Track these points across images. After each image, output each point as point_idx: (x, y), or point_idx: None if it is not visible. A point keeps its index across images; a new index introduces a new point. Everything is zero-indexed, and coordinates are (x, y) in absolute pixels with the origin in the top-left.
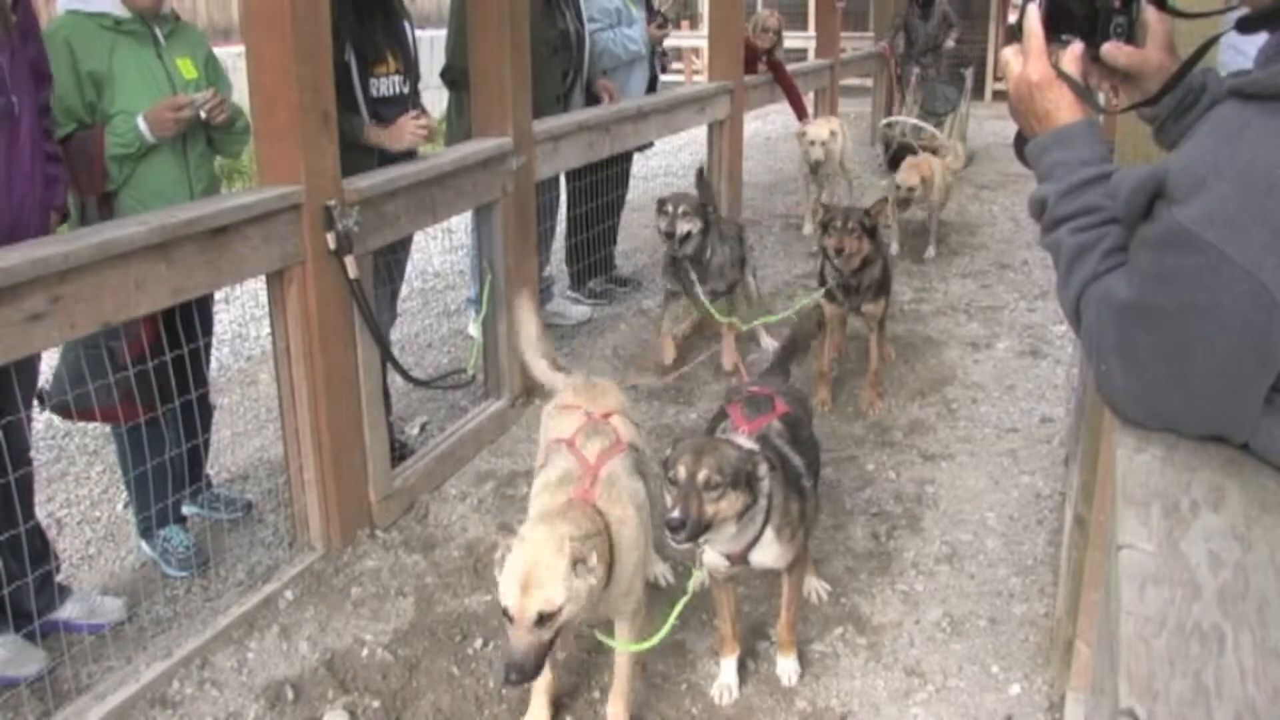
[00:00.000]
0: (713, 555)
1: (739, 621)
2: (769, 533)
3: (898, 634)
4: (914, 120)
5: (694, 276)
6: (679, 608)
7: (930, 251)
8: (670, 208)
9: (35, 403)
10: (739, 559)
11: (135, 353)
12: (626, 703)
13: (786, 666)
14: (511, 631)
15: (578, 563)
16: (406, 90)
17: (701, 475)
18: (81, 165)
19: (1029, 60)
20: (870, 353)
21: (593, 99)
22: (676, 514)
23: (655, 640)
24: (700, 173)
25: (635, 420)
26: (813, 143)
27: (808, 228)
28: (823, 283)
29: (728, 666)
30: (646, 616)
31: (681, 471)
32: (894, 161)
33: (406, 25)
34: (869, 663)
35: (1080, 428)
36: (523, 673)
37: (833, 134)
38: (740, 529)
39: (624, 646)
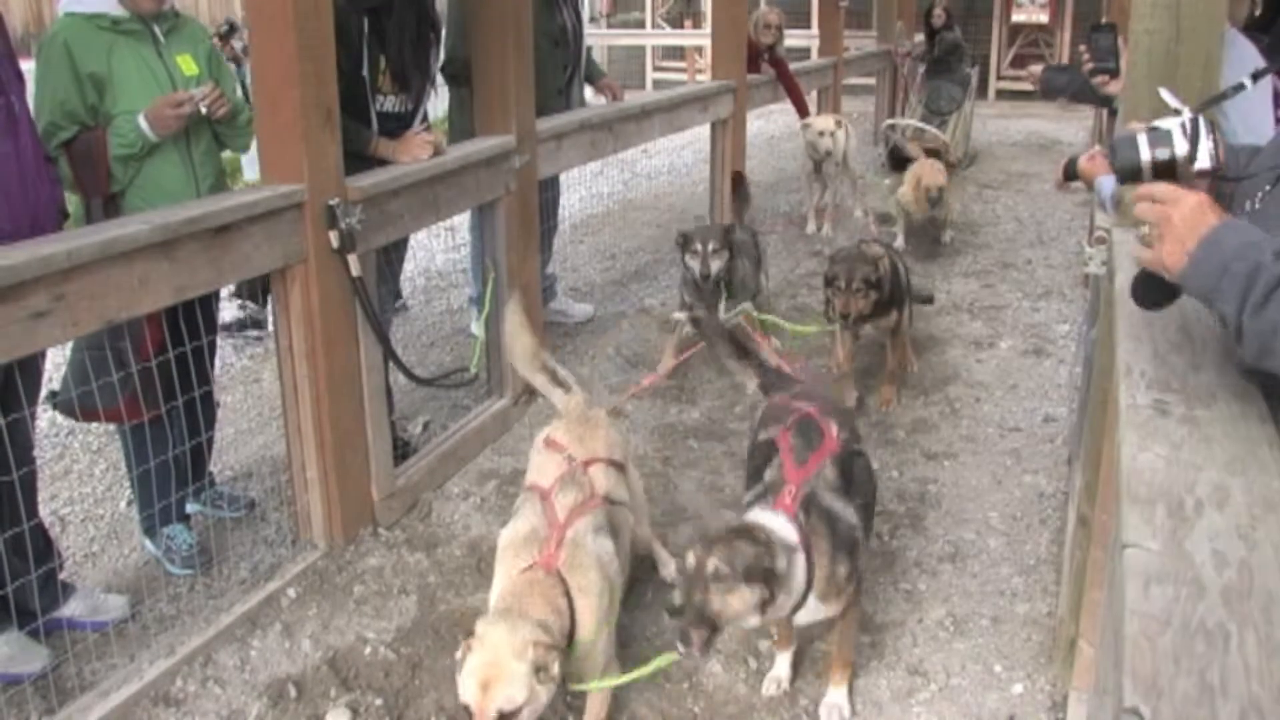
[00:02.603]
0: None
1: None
2: (812, 601)
3: (900, 633)
4: (916, 122)
5: (716, 296)
6: (656, 664)
7: (946, 237)
8: (700, 246)
9: (48, 404)
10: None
11: (144, 356)
12: None
13: (835, 699)
14: None
15: (539, 670)
16: (412, 109)
17: (710, 567)
18: (86, 167)
19: (1176, 202)
20: (887, 355)
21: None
22: (682, 647)
23: (628, 678)
24: (736, 175)
25: (622, 457)
26: (820, 133)
27: (811, 227)
28: (829, 315)
29: (782, 660)
30: (619, 668)
31: (690, 562)
32: (897, 163)
33: (433, 53)
34: (871, 661)
35: (1083, 427)
36: None
37: (838, 124)
38: (767, 616)
39: (594, 686)
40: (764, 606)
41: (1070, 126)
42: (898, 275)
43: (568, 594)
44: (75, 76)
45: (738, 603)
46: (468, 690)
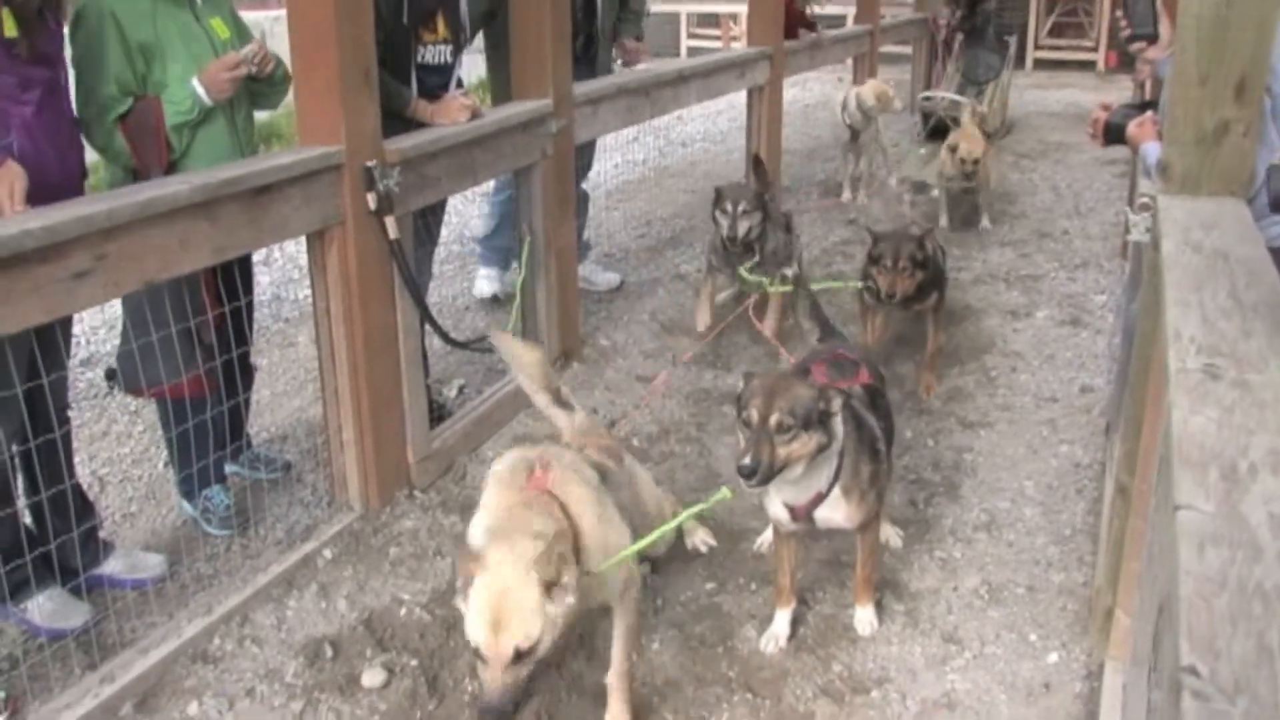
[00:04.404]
0: (777, 507)
1: (796, 576)
2: (836, 491)
3: (935, 601)
4: (951, 95)
5: (744, 259)
6: (691, 511)
7: (985, 222)
8: (730, 206)
9: (106, 381)
10: (804, 514)
11: (209, 329)
12: (625, 680)
13: (864, 616)
14: (485, 672)
15: (551, 586)
16: (451, 60)
17: (774, 419)
18: (144, 138)
19: None
20: (928, 338)
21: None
22: (748, 460)
23: (655, 536)
24: (757, 159)
25: (621, 480)
26: (862, 97)
27: (846, 194)
28: (868, 293)
29: (781, 618)
30: (641, 591)
31: (754, 414)
32: (934, 133)
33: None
34: (906, 629)
35: (1123, 396)
36: (501, 716)
37: (880, 95)
38: (807, 473)
39: (620, 558)
40: (821, 449)
41: (1110, 97)
42: (938, 255)
43: (564, 509)
44: (125, 47)
45: (800, 448)
46: (478, 631)
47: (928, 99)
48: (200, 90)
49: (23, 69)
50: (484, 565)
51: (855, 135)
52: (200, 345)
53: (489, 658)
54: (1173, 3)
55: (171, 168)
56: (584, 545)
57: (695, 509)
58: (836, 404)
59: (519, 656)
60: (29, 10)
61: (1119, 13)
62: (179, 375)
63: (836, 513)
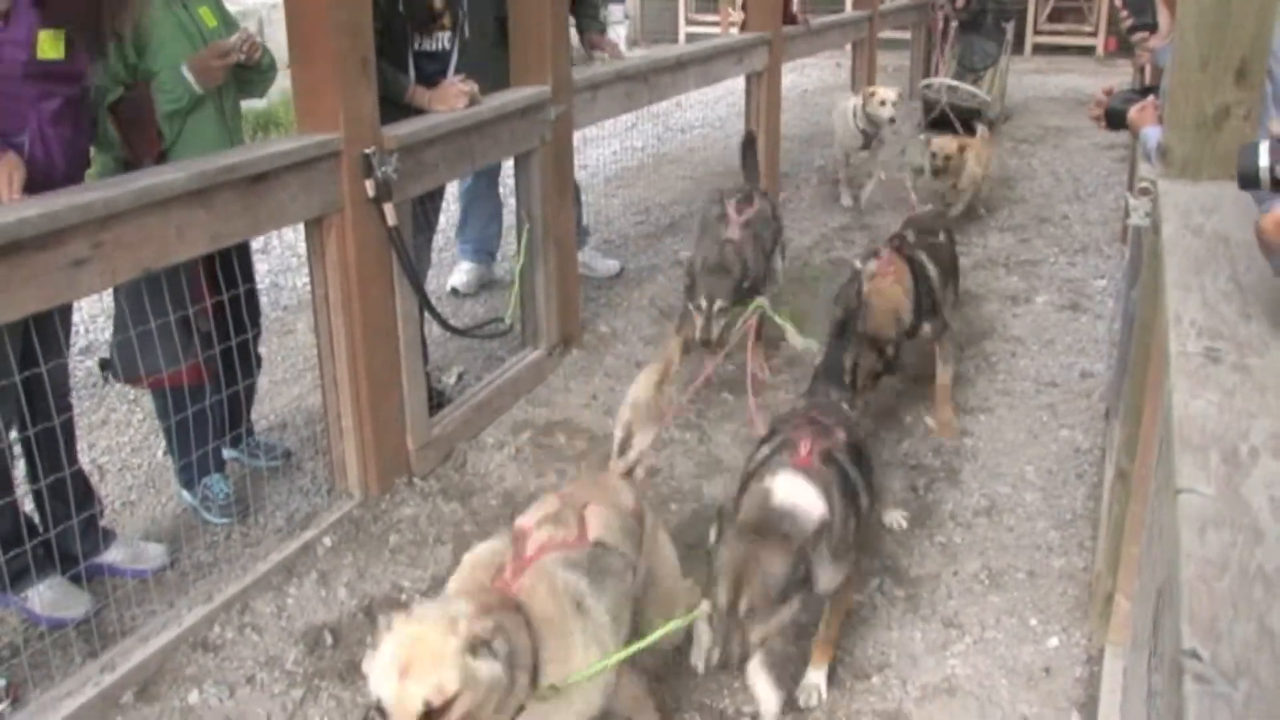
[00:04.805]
0: None
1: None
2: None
3: (936, 585)
4: (950, 80)
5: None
6: (667, 628)
7: (961, 207)
8: (705, 302)
9: (100, 372)
10: None
11: (206, 317)
12: None
13: (814, 679)
14: None
15: (478, 645)
16: (450, 47)
17: (744, 605)
18: (136, 128)
19: None
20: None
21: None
22: (716, 657)
23: (645, 643)
24: (748, 140)
25: (637, 512)
26: (883, 102)
27: (846, 199)
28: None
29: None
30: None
31: (720, 598)
32: (935, 124)
33: None
34: (906, 614)
35: (1123, 381)
36: None
37: (901, 97)
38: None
39: (590, 672)
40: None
41: (1109, 82)
42: (932, 274)
43: (529, 625)
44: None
45: (776, 625)
46: (381, 681)
47: (929, 86)
48: (190, 78)
49: (48, 83)
50: (403, 623)
51: (868, 141)
52: (198, 333)
53: (391, 712)
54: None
55: (162, 157)
56: (541, 660)
57: (670, 626)
58: (824, 548)
59: (430, 716)
60: (85, 33)
61: (1118, 2)
62: (178, 363)
63: (820, 577)
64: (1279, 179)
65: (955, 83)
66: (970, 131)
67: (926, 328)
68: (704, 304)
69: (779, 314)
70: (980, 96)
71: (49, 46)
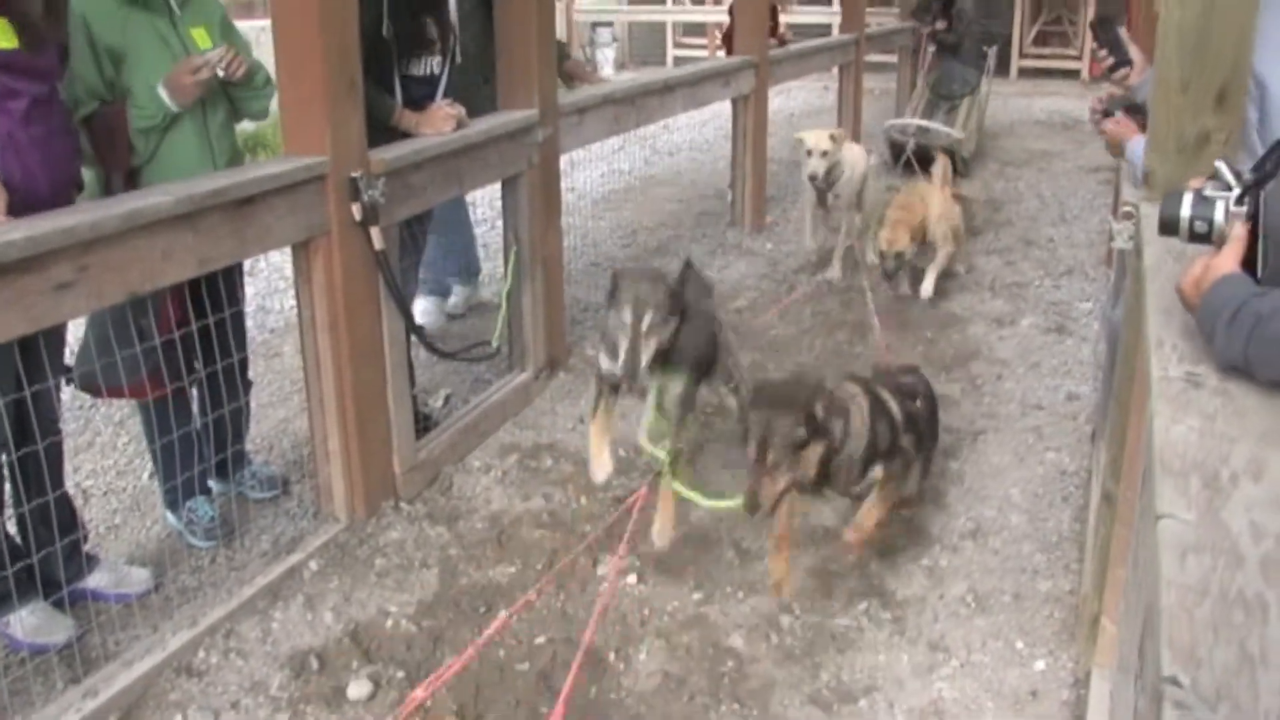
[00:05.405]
0: None
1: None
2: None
3: (922, 609)
4: (919, 120)
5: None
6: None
7: (925, 288)
8: (630, 317)
9: (66, 383)
10: None
11: (165, 330)
12: None
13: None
14: None
15: None
16: (440, 71)
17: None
18: (107, 142)
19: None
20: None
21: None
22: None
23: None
24: (687, 265)
25: None
26: (809, 152)
27: (834, 272)
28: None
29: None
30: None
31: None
32: (907, 168)
33: (452, 3)
34: (893, 637)
35: (1108, 404)
36: None
37: (834, 141)
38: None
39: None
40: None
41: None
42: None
43: None
44: (93, 51)
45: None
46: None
47: (893, 128)
48: (164, 94)
49: (9, 80)
50: None
51: (822, 197)
52: (160, 345)
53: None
54: (1139, 31)
55: (135, 173)
56: None
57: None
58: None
59: None
60: (31, 19)
61: (1095, 45)
62: (138, 373)
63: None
64: (1198, 232)
65: (924, 123)
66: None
67: (878, 469)
68: (628, 317)
69: (677, 475)
70: (952, 135)
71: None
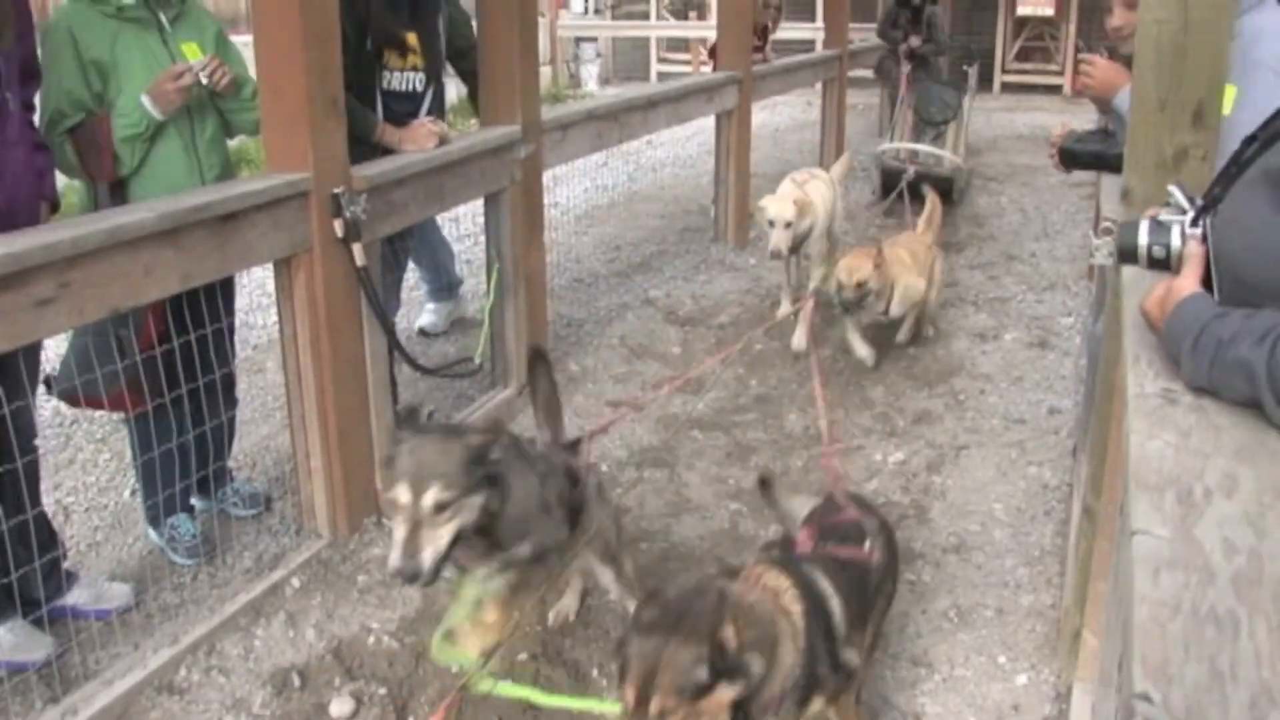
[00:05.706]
0: None
1: None
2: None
3: (904, 623)
4: (910, 144)
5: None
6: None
7: (908, 334)
8: (407, 494)
9: (42, 388)
10: None
11: (145, 343)
12: None
13: None
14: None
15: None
16: (422, 89)
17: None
18: (91, 152)
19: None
20: None
21: None
22: None
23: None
24: (537, 354)
25: None
26: (771, 223)
27: (799, 341)
28: None
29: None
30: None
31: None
32: (889, 191)
33: (441, 20)
34: (875, 652)
35: (1089, 418)
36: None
37: (799, 208)
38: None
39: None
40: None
41: (1076, 121)
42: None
43: None
44: (80, 63)
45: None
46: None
47: (885, 153)
48: (148, 103)
49: None
50: None
51: (795, 245)
52: (140, 358)
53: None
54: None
55: (120, 183)
56: None
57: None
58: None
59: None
60: None
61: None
62: (117, 384)
63: None
64: (1156, 258)
65: (923, 147)
66: (922, 202)
67: (817, 703)
68: (405, 495)
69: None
70: (954, 161)
71: None
